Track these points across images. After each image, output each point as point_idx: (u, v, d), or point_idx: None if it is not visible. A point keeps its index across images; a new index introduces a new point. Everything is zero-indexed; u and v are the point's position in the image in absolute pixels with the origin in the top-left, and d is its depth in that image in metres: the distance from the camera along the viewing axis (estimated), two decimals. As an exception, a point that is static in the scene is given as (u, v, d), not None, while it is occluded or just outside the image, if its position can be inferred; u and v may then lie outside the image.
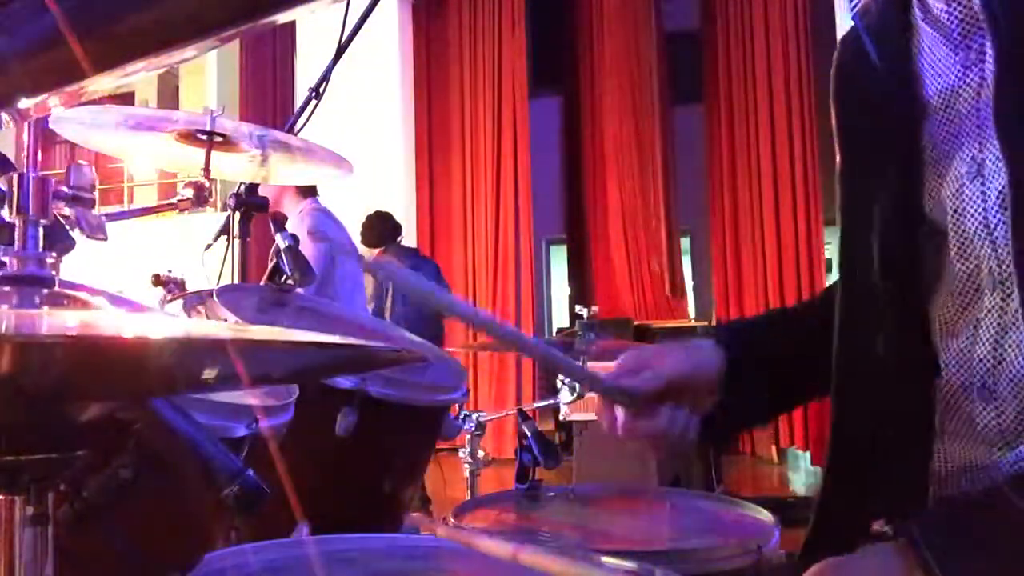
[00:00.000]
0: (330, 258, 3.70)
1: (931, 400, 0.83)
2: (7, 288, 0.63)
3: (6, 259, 0.64)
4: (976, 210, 0.78)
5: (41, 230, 0.65)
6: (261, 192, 3.54)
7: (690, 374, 0.97)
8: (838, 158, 0.93)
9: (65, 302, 0.66)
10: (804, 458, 6.60)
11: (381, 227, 5.09)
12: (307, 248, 3.60)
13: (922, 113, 0.84)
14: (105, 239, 0.77)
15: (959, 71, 0.81)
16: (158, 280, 2.27)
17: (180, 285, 2.26)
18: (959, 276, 0.80)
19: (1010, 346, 0.76)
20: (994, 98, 0.76)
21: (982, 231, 0.77)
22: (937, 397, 0.83)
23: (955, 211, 0.80)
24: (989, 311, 0.78)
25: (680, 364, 0.97)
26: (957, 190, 0.79)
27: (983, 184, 0.77)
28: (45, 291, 0.64)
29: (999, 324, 0.77)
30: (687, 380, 0.97)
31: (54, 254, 0.65)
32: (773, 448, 6.84)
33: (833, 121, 0.95)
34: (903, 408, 0.85)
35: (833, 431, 0.93)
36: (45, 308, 0.63)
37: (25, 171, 0.67)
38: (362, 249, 4.95)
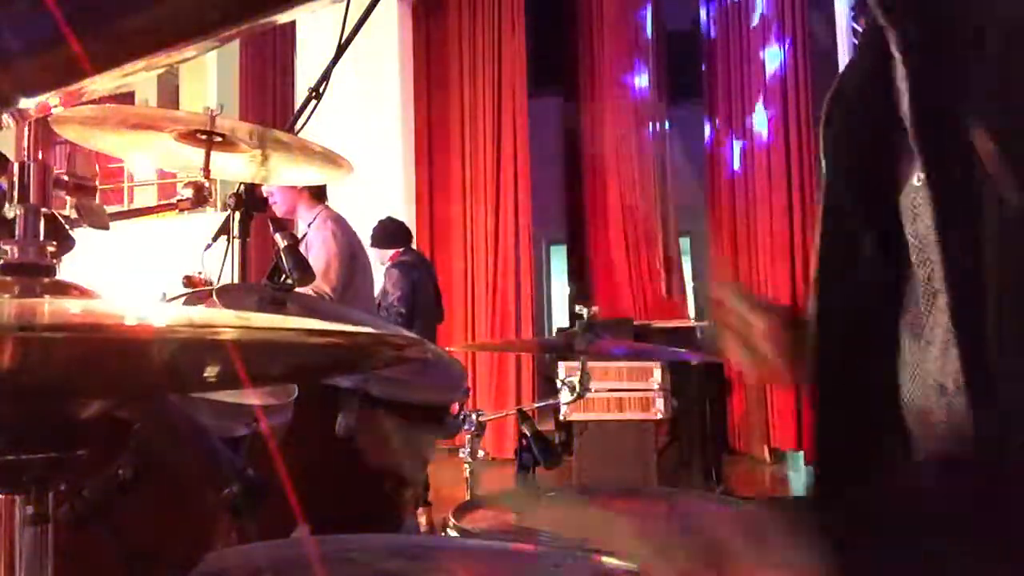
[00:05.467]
0: (353, 262, 3.72)
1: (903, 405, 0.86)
2: (8, 278, 0.62)
3: (7, 248, 0.63)
4: (927, 215, 0.80)
5: (42, 219, 0.65)
6: (272, 198, 3.55)
7: None
8: (823, 171, 0.95)
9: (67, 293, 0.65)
10: (800, 458, 6.61)
11: (397, 230, 5.13)
12: (330, 254, 3.61)
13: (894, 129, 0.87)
14: (107, 228, 0.76)
15: None
16: (190, 281, 2.27)
17: (210, 285, 2.26)
18: (920, 280, 0.82)
19: (954, 348, 0.78)
20: (909, 104, 0.78)
21: (933, 235, 0.79)
22: (905, 402, 0.85)
23: (912, 219, 0.82)
24: (940, 312, 0.80)
25: None
26: (914, 198, 0.82)
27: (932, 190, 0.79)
28: (46, 280, 0.63)
29: (947, 326, 0.79)
30: None
31: (55, 242, 0.64)
32: (765, 448, 6.85)
33: (821, 135, 0.97)
34: (881, 413, 0.87)
35: (816, 436, 0.94)
36: (47, 297, 0.63)
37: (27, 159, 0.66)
38: (372, 251, 4.97)
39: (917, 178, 0.81)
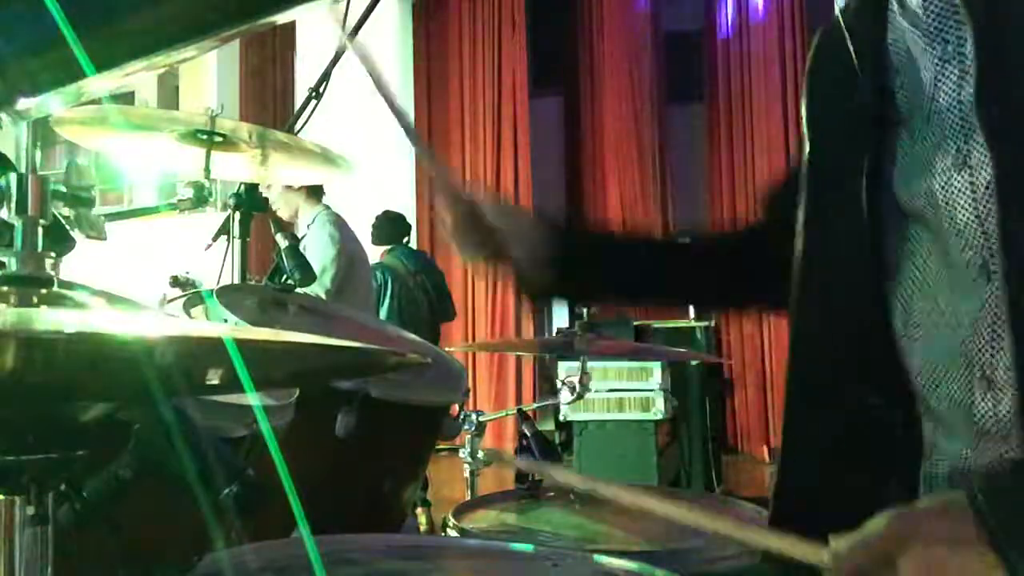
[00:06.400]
0: (350, 265, 3.72)
1: (910, 401, 0.84)
2: (6, 288, 0.63)
3: (5, 259, 0.64)
4: (966, 201, 0.79)
5: (41, 230, 0.65)
6: (275, 204, 3.56)
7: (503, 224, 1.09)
8: (806, 148, 0.95)
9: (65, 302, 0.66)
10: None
11: (390, 227, 5.14)
12: (327, 256, 3.62)
13: (898, 108, 0.86)
14: (104, 239, 0.76)
15: (937, 64, 0.82)
16: (176, 281, 2.27)
17: (197, 287, 2.26)
18: (956, 267, 0.80)
19: (1006, 335, 0.77)
20: (975, 88, 0.77)
21: (974, 222, 0.78)
22: (931, 396, 0.83)
23: (946, 203, 0.80)
24: (988, 300, 0.78)
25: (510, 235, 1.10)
26: (946, 182, 0.81)
27: (971, 175, 0.79)
28: (44, 291, 0.64)
29: (995, 313, 0.77)
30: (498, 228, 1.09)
31: (53, 254, 0.65)
32: (765, 448, 6.84)
33: (803, 110, 0.97)
34: (881, 416, 0.86)
35: (786, 432, 0.94)
36: (44, 308, 0.63)
37: (25, 171, 0.67)
38: (370, 248, 4.97)
39: (954, 164, 0.79)
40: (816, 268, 0.92)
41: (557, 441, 5.06)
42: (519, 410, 1.82)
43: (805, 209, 0.93)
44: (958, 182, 0.79)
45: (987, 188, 0.77)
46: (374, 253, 5.03)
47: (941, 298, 0.82)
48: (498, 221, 1.09)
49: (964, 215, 0.79)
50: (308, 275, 1.83)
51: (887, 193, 0.86)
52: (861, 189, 0.86)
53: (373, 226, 5.09)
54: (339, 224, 3.81)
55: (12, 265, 0.63)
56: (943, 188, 0.81)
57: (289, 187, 3.64)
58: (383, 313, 4.74)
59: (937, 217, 0.82)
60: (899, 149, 0.86)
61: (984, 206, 0.77)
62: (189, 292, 1.81)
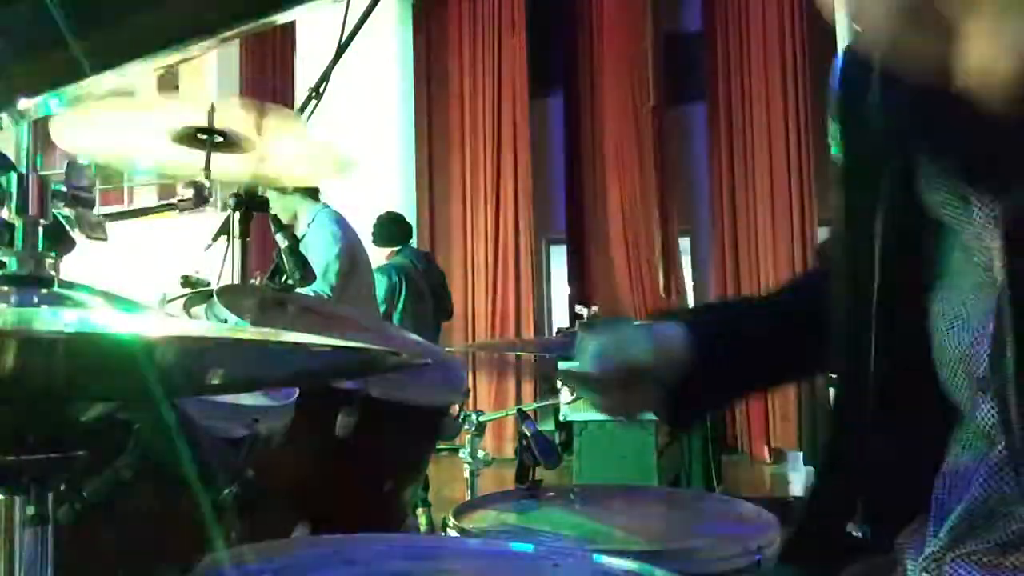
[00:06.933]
0: (352, 262, 3.72)
1: (936, 402, 0.84)
2: (7, 288, 0.63)
3: (6, 259, 0.64)
4: (985, 202, 0.78)
5: (41, 230, 0.65)
6: (272, 208, 3.54)
7: (652, 362, 1.00)
8: (841, 163, 0.94)
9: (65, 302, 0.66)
10: (800, 458, 6.61)
11: (393, 228, 5.13)
12: (330, 254, 3.62)
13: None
14: (105, 239, 0.77)
15: None
16: (187, 281, 2.27)
17: (207, 287, 2.26)
18: (977, 268, 0.80)
19: (1007, 341, 0.76)
20: None
21: (991, 223, 0.78)
22: (948, 395, 0.84)
23: (966, 204, 0.80)
24: (995, 306, 0.78)
25: (643, 353, 1.00)
26: (955, 187, 0.81)
27: None
28: (44, 291, 0.64)
29: (1000, 319, 0.77)
30: (649, 367, 1.00)
31: (54, 254, 0.65)
32: (766, 448, 6.84)
33: (838, 127, 0.96)
34: (909, 413, 0.86)
35: (832, 433, 0.93)
36: (44, 307, 0.63)
37: (25, 171, 0.67)
38: (372, 249, 4.97)
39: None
40: (852, 275, 0.92)
41: (557, 441, 5.05)
42: (519, 410, 1.81)
43: (843, 222, 0.92)
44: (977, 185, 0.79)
45: None
46: (375, 254, 5.03)
47: (960, 297, 0.83)
48: (634, 363, 1.01)
49: (981, 217, 0.79)
50: (308, 275, 1.83)
51: (916, 201, 0.86)
52: (892, 195, 0.86)
53: (374, 227, 5.09)
54: (341, 222, 3.81)
55: (12, 265, 0.63)
56: (962, 190, 0.81)
57: (282, 190, 3.63)
58: (398, 314, 4.74)
59: (955, 219, 0.82)
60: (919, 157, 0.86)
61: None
62: (196, 291, 1.81)
